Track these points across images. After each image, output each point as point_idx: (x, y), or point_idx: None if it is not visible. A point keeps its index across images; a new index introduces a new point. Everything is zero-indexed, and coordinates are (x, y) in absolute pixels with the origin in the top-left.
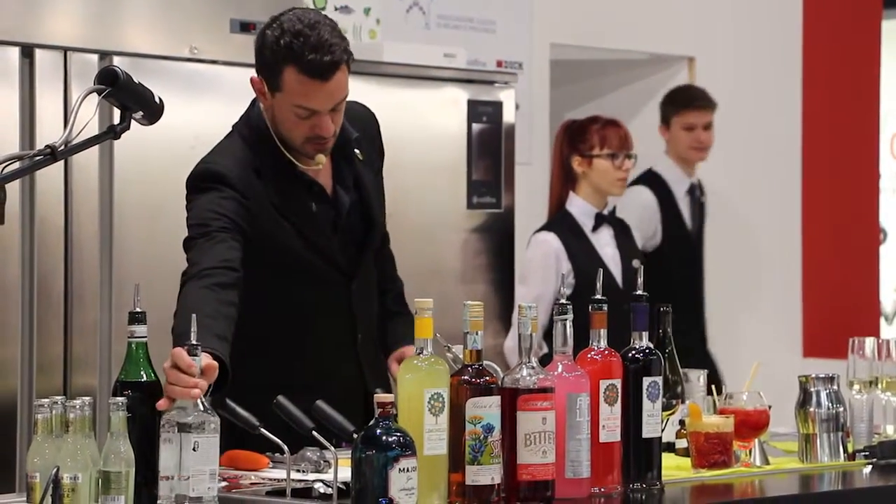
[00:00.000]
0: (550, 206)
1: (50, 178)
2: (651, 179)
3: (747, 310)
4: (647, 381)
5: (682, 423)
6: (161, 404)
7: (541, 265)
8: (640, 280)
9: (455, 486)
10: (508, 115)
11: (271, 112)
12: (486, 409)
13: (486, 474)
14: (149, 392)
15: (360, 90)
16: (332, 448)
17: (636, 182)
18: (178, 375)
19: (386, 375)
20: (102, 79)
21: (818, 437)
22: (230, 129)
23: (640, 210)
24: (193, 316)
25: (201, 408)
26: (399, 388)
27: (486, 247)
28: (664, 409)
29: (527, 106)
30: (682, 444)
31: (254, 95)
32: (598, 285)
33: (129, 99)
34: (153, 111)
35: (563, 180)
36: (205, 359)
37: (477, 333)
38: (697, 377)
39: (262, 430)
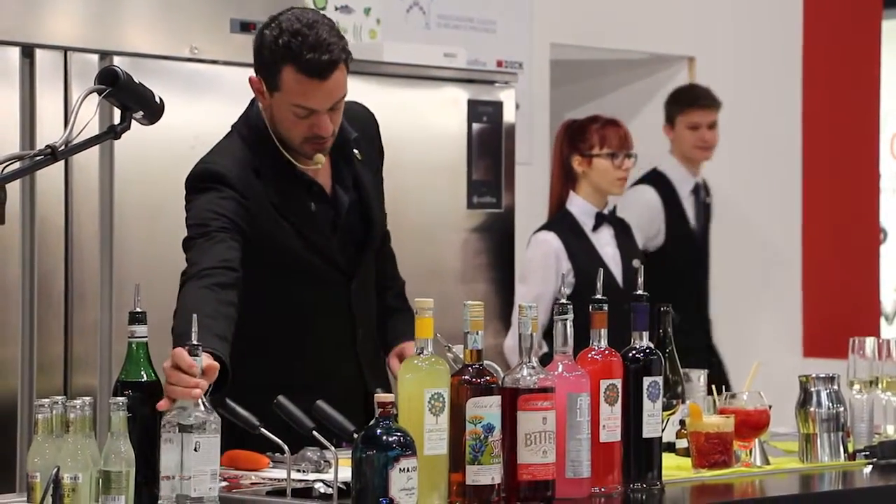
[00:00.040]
0: (551, 205)
1: (50, 178)
2: (655, 179)
3: (748, 309)
4: (647, 380)
5: (682, 422)
6: (161, 405)
7: (541, 265)
8: (641, 280)
9: (455, 486)
10: (508, 115)
11: (270, 112)
12: (486, 409)
13: (487, 474)
14: (149, 392)
15: (360, 90)
16: (333, 448)
17: (640, 181)
18: (178, 376)
19: (386, 375)
20: (103, 79)
21: (818, 437)
22: (229, 129)
23: (643, 209)
24: (194, 316)
25: (202, 408)
26: (399, 387)
27: (487, 246)
28: (664, 408)
29: (527, 106)
30: (682, 444)
31: (253, 95)
32: (599, 285)
33: (129, 99)
34: (153, 111)
35: (564, 180)
36: (205, 359)
37: (477, 333)
38: (698, 377)
39: (263, 430)
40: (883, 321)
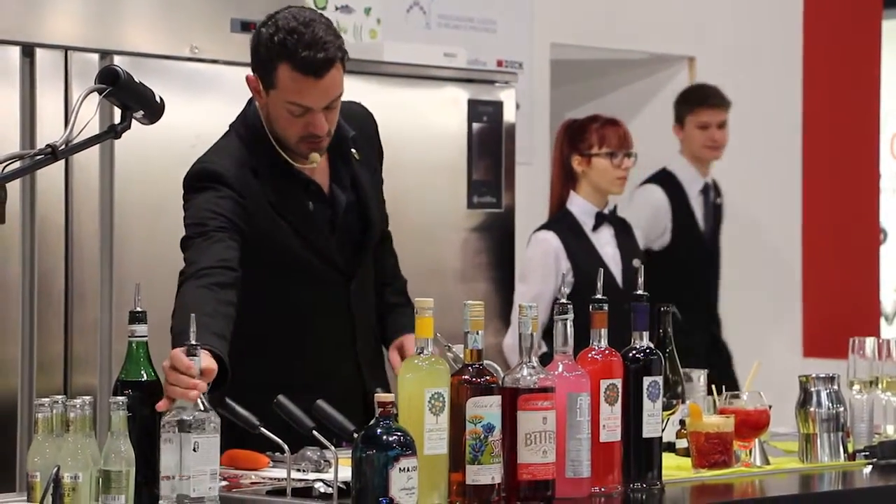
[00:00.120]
0: (551, 205)
1: (50, 177)
2: (663, 178)
3: (748, 309)
4: (647, 380)
5: (682, 422)
6: (161, 405)
7: (540, 264)
8: (641, 280)
9: (455, 486)
10: (509, 115)
11: (266, 110)
12: (486, 409)
13: (487, 474)
14: (149, 391)
15: (360, 90)
16: (333, 447)
17: (648, 181)
18: (177, 376)
19: (385, 376)
20: (103, 78)
21: (818, 437)
22: (227, 128)
23: (649, 209)
24: (192, 316)
25: (201, 407)
26: (399, 387)
27: (487, 246)
28: (664, 408)
29: (527, 106)
30: (682, 443)
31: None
32: (599, 285)
33: (129, 98)
34: (154, 110)
35: (564, 180)
36: (204, 359)
37: (477, 333)
38: (698, 377)
39: (263, 429)
40: (883, 321)
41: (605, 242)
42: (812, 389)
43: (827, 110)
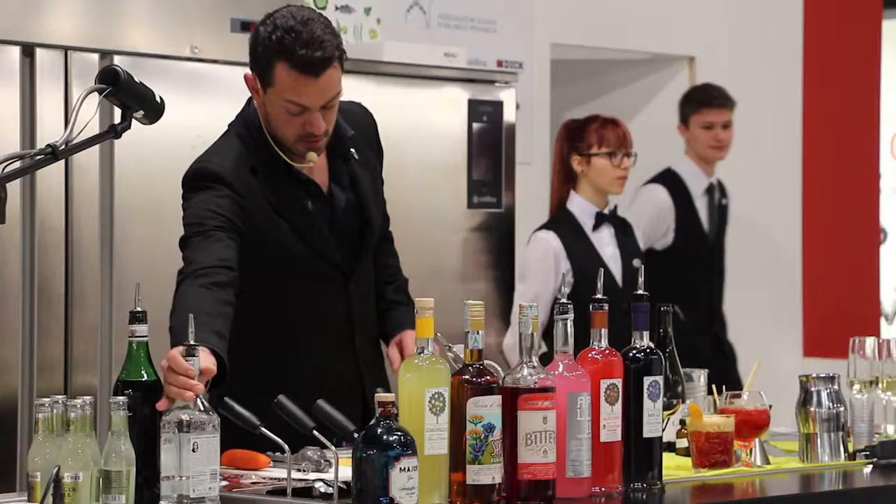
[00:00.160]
0: (551, 205)
1: (50, 177)
2: (667, 178)
3: (748, 309)
4: (647, 380)
5: (682, 422)
6: (160, 405)
7: (540, 264)
8: (641, 279)
9: (456, 486)
10: (509, 115)
11: (264, 109)
12: (486, 409)
13: (487, 474)
14: (150, 391)
15: (360, 90)
16: (333, 447)
17: (652, 180)
18: (175, 377)
19: (385, 376)
20: (103, 78)
21: (819, 437)
22: (226, 127)
23: (652, 208)
24: (191, 316)
25: (201, 407)
26: (400, 387)
27: (487, 246)
28: (665, 408)
29: (527, 105)
30: (682, 443)
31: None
32: (599, 284)
33: (130, 98)
34: (154, 110)
35: (564, 179)
36: (204, 358)
37: (478, 333)
38: (698, 377)
39: (263, 429)
40: (883, 321)
41: (605, 242)
42: (812, 389)
43: (827, 110)
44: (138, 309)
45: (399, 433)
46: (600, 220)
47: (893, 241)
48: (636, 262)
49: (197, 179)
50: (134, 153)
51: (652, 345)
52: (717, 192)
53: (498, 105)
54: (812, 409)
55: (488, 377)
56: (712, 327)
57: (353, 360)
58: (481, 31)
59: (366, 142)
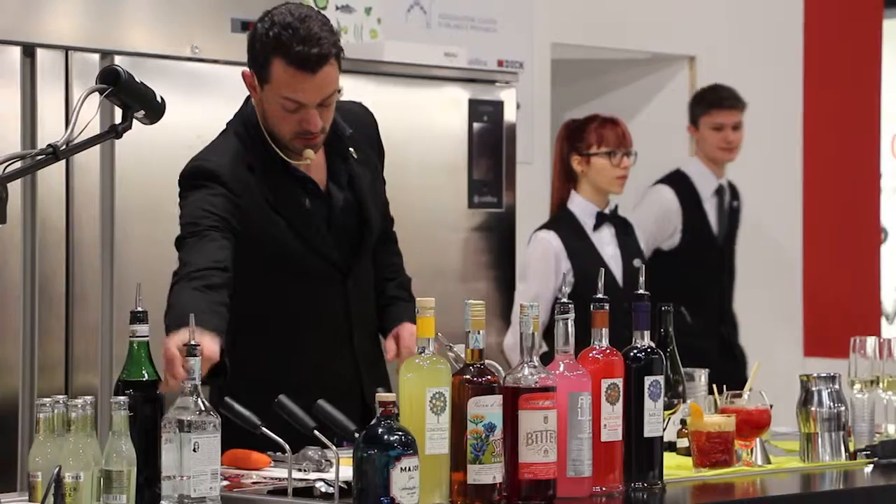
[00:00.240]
0: (552, 205)
1: (51, 177)
2: (675, 179)
3: (748, 309)
4: (648, 380)
5: (683, 422)
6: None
7: (540, 264)
8: (642, 279)
9: (457, 486)
10: (509, 115)
11: (261, 106)
12: (487, 409)
13: (488, 473)
14: (150, 391)
15: (360, 89)
16: (334, 447)
17: (660, 181)
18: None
19: (384, 376)
20: (104, 78)
21: (819, 437)
22: (224, 126)
23: (658, 209)
24: (192, 315)
25: (202, 407)
26: (401, 387)
27: (488, 246)
28: (666, 408)
29: (528, 105)
30: (683, 443)
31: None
32: (600, 284)
33: (130, 98)
34: (155, 110)
35: (564, 179)
36: (207, 344)
37: (478, 332)
38: (699, 376)
39: (264, 429)
40: (883, 320)
41: (605, 242)
42: (813, 389)
43: (827, 110)
44: (139, 309)
45: (400, 433)
46: (601, 219)
47: (894, 241)
48: (637, 262)
49: (192, 178)
50: (134, 153)
51: (653, 344)
52: (727, 194)
53: (498, 105)
54: (813, 408)
55: (489, 377)
56: (721, 330)
57: (351, 358)
58: (482, 31)
59: (366, 141)
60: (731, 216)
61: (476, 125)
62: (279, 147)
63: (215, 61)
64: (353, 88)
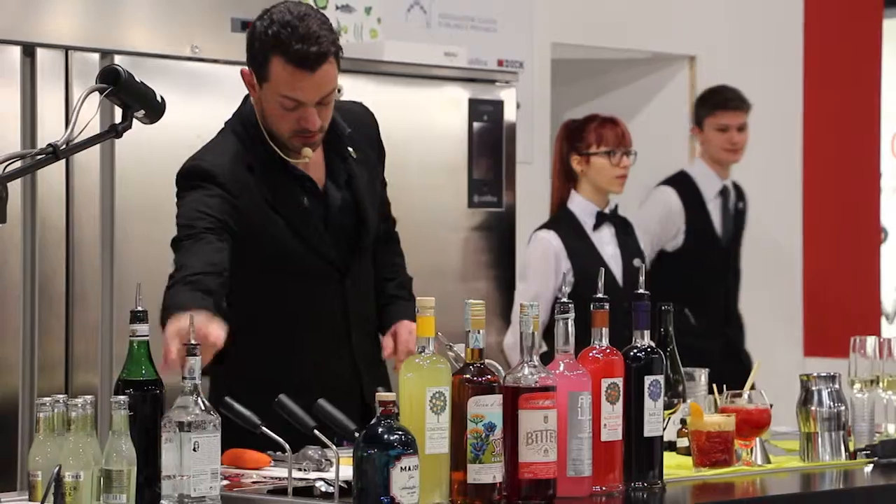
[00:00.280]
0: (552, 204)
1: (51, 177)
2: (679, 180)
3: (748, 308)
4: (648, 379)
5: (683, 421)
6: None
7: (541, 263)
8: (642, 279)
9: (457, 485)
10: (509, 114)
11: (260, 105)
12: (487, 408)
13: (488, 473)
14: (151, 391)
15: (360, 89)
16: (334, 446)
17: (664, 182)
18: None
19: (383, 373)
20: (104, 78)
21: (819, 436)
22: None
23: (661, 209)
24: (191, 315)
25: (202, 407)
26: (401, 386)
27: (488, 245)
28: (666, 407)
29: (528, 105)
30: (683, 442)
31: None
32: (600, 284)
33: (130, 98)
34: (155, 110)
35: (564, 179)
36: (214, 330)
37: (478, 332)
38: (699, 376)
39: (264, 428)
40: (884, 320)
41: (605, 242)
42: (813, 388)
43: (827, 109)
44: (139, 308)
45: (400, 432)
46: (601, 219)
47: (894, 241)
48: (637, 262)
49: (188, 178)
50: (134, 153)
51: (653, 344)
52: (732, 195)
53: (498, 104)
54: (813, 408)
55: (489, 376)
56: (726, 331)
57: (349, 358)
58: (482, 31)
59: (366, 141)
60: (736, 217)
61: (476, 125)
62: (278, 146)
63: (215, 61)
64: (353, 88)
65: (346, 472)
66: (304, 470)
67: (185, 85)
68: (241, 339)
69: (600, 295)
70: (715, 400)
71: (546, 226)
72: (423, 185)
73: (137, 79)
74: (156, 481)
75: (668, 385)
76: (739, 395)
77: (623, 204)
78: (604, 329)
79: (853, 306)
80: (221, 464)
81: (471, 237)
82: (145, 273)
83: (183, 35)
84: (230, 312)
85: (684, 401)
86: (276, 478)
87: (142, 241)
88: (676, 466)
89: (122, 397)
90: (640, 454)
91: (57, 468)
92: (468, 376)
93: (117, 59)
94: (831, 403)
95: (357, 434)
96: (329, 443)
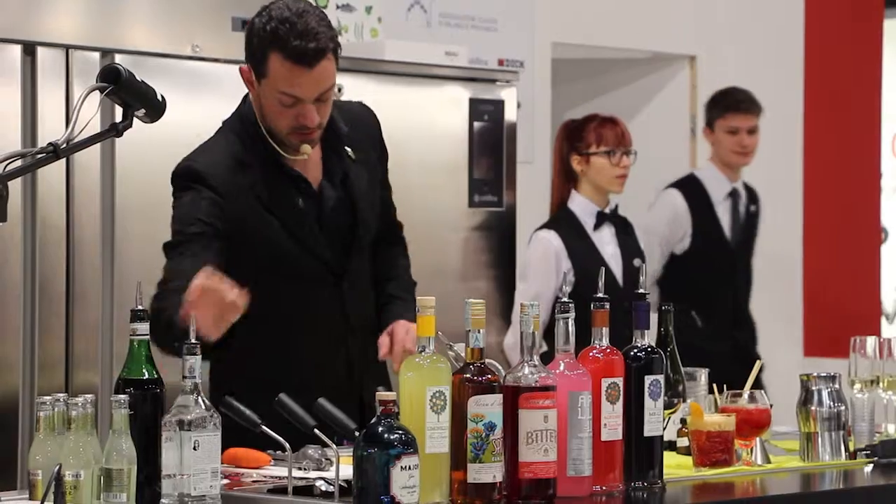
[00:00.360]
0: (552, 204)
1: (52, 176)
2: (687, 183)
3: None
4: (648, 379)
5: (683, 421)
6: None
7: (540, 263)
8: (643, 278)
9: (457, 484)
10: (510, 114)
11: (259, 102)
12: (487, 408)
13: (488, 472)
14: (151, 390)
15: (361, 88)
16: (334, 446)
17: (672, 185)
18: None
19: (382, 377)
20: (105, 76)
21: (819, 436)
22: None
23: (668, 212)
24: (192, 315)
25: (202, 405)
26: (401, 385)
27: (488, 245)
28: (666, 407)
29: (528, 104)
30: (683, 442)
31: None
32: (600, 283)
33: (131, 97)
34: (155, 109)
35: (565, 179)
36: (237, 293)
37: (479, 331)
38: (699, 376)
39: (264, 427)
40: (884, 320)
41: (605, 241)
42: (813, 388)
43: (828, 110)
44: (139, 307)
45: (400, 432)
46: (601, 219)
47: (894, 241)
48: (637, 262)
49: (181, 178)
50: (135, 152)
51: (653, 344)
52: (743, 198)
53: (499, 104)
54: (813, 408)
55: (489, 376)
56: (734, 334)
57: (345, 360)
58: (482, 30)
59: (366, 141)
60: (747, 220)
61: (476, 124)
62: (276, 143)
63: (216, 60)
64: (353, 87)
65: (347, 471)
66: (305, 469)
67: (185, 84)
68: (241, 339)
69: (600, 295)
70: (715, 400)
71: (546, 225)
72: (423, 185)
73: (138, 78)
74: (156, 480)
75: (668, 385)
76: (739, 395)
77: (628, 205)
78: (604, 329)
79: (853, 306)
80: (221, 463)
81: (471, 237)
82: (145, 272)
83: (183, 34)
84: None
85: (684, 400)
86: (276, 477)
87: (142, 241)
88: (676, 466)
89: (122, 396)
90: (641, 454)
91: (57, 467)
92: (468, 376)
93: (118, 58)
94: (831, 403)
95: (357, 433)
96: (329, 442)
